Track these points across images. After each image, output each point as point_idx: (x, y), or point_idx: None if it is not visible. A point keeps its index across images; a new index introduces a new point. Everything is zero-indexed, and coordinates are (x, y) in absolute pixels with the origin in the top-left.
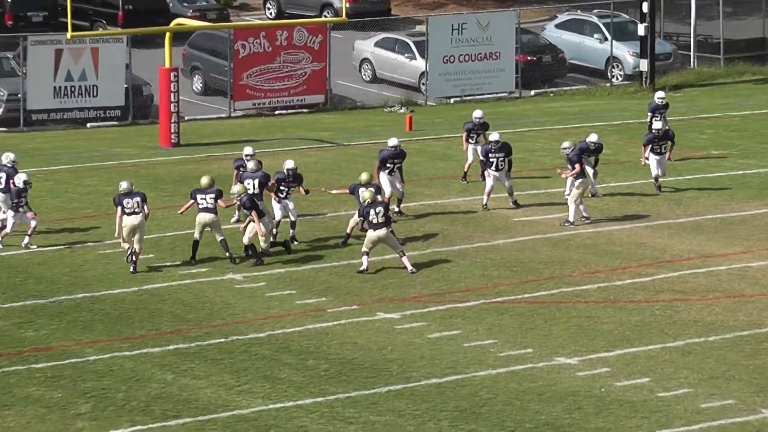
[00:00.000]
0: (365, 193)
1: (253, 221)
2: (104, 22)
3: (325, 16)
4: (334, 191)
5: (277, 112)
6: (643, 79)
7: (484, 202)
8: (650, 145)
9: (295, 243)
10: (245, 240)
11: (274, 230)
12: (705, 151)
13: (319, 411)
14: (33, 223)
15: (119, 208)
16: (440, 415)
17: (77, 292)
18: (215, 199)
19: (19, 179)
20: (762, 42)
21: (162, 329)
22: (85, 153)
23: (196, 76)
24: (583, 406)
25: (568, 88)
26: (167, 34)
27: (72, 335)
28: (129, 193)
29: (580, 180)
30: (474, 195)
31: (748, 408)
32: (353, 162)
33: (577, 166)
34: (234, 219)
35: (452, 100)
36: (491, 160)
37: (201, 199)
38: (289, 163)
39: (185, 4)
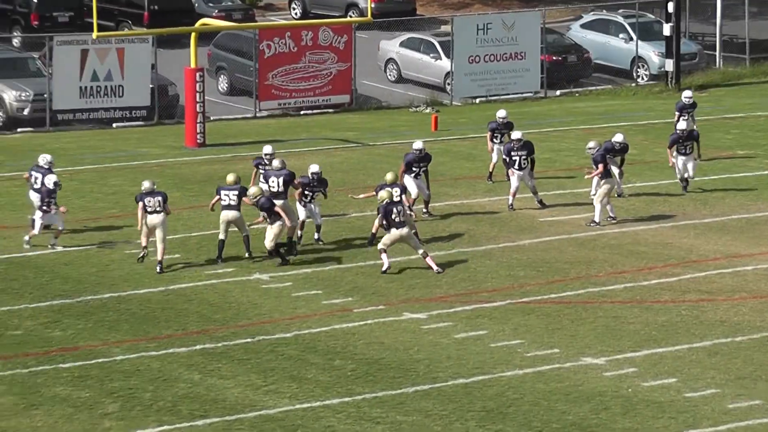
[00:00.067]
0: (383, 193)
1: (267, 222)
2: (130, 22)
3: (351, 16)
4: (361, 196)
5: (302, 112)
6: (669, 79)
7: (510, 202)
8: (675, 146)
9: (321, 244)
10: (267, 245)
11: (299, 232)
12: (731, 151)
13: (346, 411)
14: (60, 226)
15: (141, 203)
16: (467, 415)
17: (104, 291)
18: (238, 197)
19: (50, 180)
20: None
21: (189, 329)
22: (111, 153)
23: (222, 76)
24: (610, 406)
25: (594, 88)
26: (193, 35)
27: (99, 335)
28: (151, 192)
29: (605, 180)
30: (500, 195)
31: None
32: (378, 162)
33: (600, 166)
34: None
35: (477, 100)
36: (513, 158)
37: (225, 195)
38: (314, 168)
39: (210, 5)
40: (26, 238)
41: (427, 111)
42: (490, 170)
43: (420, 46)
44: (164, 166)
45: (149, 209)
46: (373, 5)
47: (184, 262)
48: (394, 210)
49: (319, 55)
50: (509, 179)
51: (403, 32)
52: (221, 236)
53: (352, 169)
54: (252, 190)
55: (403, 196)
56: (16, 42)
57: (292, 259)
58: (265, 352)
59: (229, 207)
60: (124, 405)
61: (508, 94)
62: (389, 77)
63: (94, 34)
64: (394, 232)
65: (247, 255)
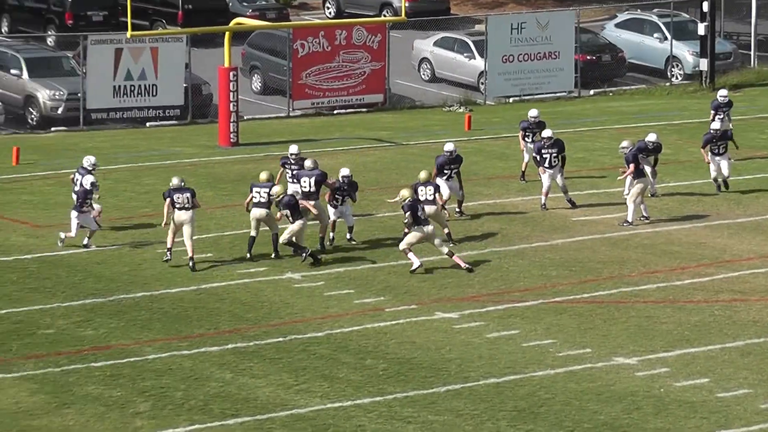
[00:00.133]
0: (404, 192)
1: (288, 221)
2: (164, 21)
3: (385, 16)
4: (397, 199)
5: (335, 112)
6: (703, 79)
7: (543, 201)
8: (709, 145)
9: (353, 243)
10: (283, 239)
11: (331, 234)
12: (765, 151)
13: (377, 410)
14: (94, 226)
15: (168, 200)
16: (498, 414)
17: (136, 290)
18: (269, 195)
19: (87, 181)
20: None
21: (220, 328)
22: (144, 152)
23: (255, 75)
24: (642, 406)
25: (628, 87)
26: (226, 34)
27: (131, 334)
28: (179, 189)
29: (638, 179)
30: (532, 194)
31: None
32: (412, 161)
33: (631, 165)
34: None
35: (511, 100)
36: (544, 156)
37: (256, 192)
38: (345, 171)
39: (245, 4)
40: (62, 236)
41: (461, 110)
42: (523, 169)
43: (454, 45)
44: (197, 166)
45: (178, 205)
46: (407, 4)
47: (216, 260)
48: (419, 208)
49: (353, 54)
50: (541, 178)
51: (437, 31)
52: (252, 233)
53: (386, 168)
54: (275, 189)
55: (437, 195)
56: (50, 41)
57: (323, 258)
58: (296, 351)
59: (259, 204)
60: (156, 404)
61: (542, 94)
62: (423, 77)
63: (129, 33)
64: (418, 230)
65: (273, 255)
